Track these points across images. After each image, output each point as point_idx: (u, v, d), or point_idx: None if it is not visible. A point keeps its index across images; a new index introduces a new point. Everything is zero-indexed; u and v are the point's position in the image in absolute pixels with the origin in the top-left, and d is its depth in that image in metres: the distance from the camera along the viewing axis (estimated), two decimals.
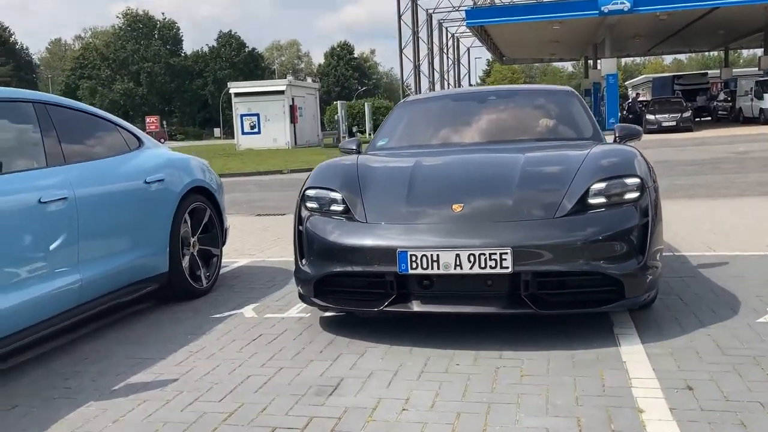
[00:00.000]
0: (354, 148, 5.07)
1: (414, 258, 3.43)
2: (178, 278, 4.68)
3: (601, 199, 3.62)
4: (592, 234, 3.46)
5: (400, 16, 38.07)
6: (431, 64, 36.84)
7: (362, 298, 3.72)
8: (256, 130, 32.57)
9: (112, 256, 4.07)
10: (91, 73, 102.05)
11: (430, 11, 40.49)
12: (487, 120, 5.17)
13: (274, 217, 10.19)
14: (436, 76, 40.14)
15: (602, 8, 28.63)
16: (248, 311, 4.44)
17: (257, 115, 32.51)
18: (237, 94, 33.07)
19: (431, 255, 3.41)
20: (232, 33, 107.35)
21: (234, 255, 6.66)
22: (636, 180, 3.70)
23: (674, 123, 28.86)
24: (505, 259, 3.35)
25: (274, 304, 4.60)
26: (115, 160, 4.38)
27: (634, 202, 3.61)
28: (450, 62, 46.09)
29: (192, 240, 4.93)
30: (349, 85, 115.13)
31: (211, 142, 65.73)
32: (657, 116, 29.40)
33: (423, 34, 36.72)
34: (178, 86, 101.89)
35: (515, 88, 6.45)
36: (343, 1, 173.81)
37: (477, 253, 3.37)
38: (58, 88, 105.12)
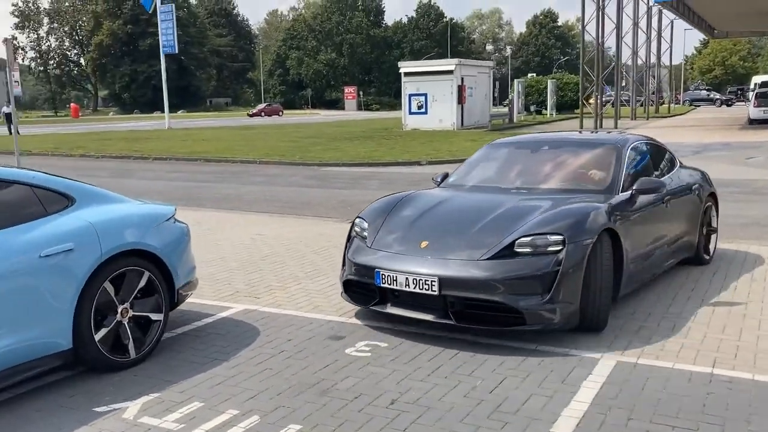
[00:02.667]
0: (439, 180, 6.59)
1: (384, 276, 4.94)
2: (87, 353, 4.32)
3: (527, 249, 4.70)
4: (500, 274, 4.58)
5: None
6: (619, 38, 33.72)
7: (362, 298, 5.29)
8: (423, 110, 32.13)
9: None
10: (299, 44, 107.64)
11: None
12: (527, 168, 6.29)
13: None
14: (627, 52, 36.89)
15: None
16: (134, 408, 3.94)
17: (425, 95, 32.01)
18: (407, 74, 32.76)
19: (393, 275, 4.89)
20: (432, 3, 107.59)
21: (242, 294, 6.30)
22: (559, 237, 4.68)
23: None
24: (434, 285, 4.70)
25: (171, 397, 4.07)
26: (5, 233, 4.05)
27: (553, 254, 4.63)
28: (645, 37, 42.00)
29: (121, 308, 4.54)
30: (549, 55, 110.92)
31: (400, 114, 66.48)
32: None
33: (614, 7, 33.68)
34: (377, 57, 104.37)
35: (569, 138, 7.12)
36: None
37: (417, 279, 4.76)
38: (270, 58, 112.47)
